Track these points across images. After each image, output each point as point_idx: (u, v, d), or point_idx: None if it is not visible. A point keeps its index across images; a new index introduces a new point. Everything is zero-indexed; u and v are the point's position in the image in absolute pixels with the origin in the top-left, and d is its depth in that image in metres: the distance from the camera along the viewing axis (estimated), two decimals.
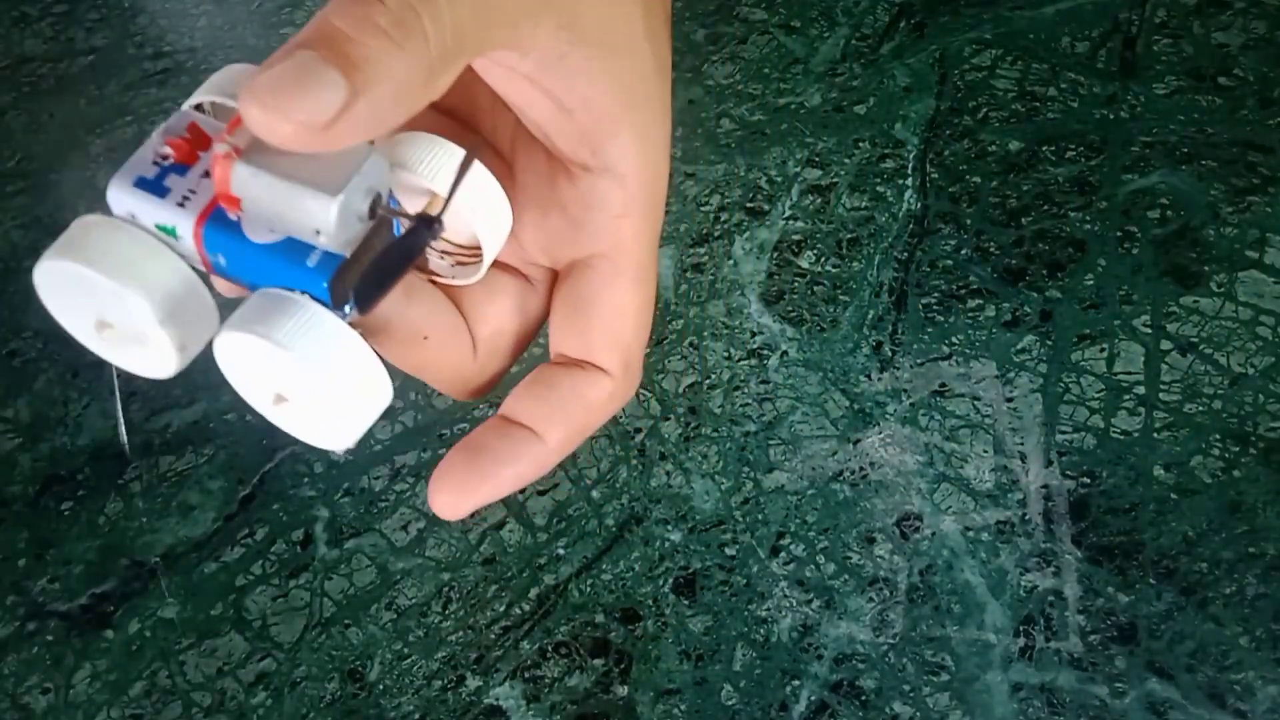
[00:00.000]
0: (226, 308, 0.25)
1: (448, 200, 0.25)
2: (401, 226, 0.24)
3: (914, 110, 0.94)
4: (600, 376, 0.27)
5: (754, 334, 0.84)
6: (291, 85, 0.20)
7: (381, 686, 0.72)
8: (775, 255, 0.87)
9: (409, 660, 0.73)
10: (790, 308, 0.84)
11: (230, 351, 0.24)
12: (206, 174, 0.24)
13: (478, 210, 0.26)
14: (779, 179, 0.91)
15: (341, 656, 0.73)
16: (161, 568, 0.77)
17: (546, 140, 0.26)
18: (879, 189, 0.90)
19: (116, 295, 0.24)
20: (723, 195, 0.91)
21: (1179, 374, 0.79)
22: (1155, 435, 0.76)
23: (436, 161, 0.25)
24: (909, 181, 0.90)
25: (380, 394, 0.25)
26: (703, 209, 0.90)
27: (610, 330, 0.27)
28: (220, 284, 0.26)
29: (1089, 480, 0.75)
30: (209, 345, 0.25)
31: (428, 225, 0.24)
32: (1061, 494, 0.75)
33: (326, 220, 0.23)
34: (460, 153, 0.25)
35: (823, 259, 0.86)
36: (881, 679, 0.69)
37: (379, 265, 0.23)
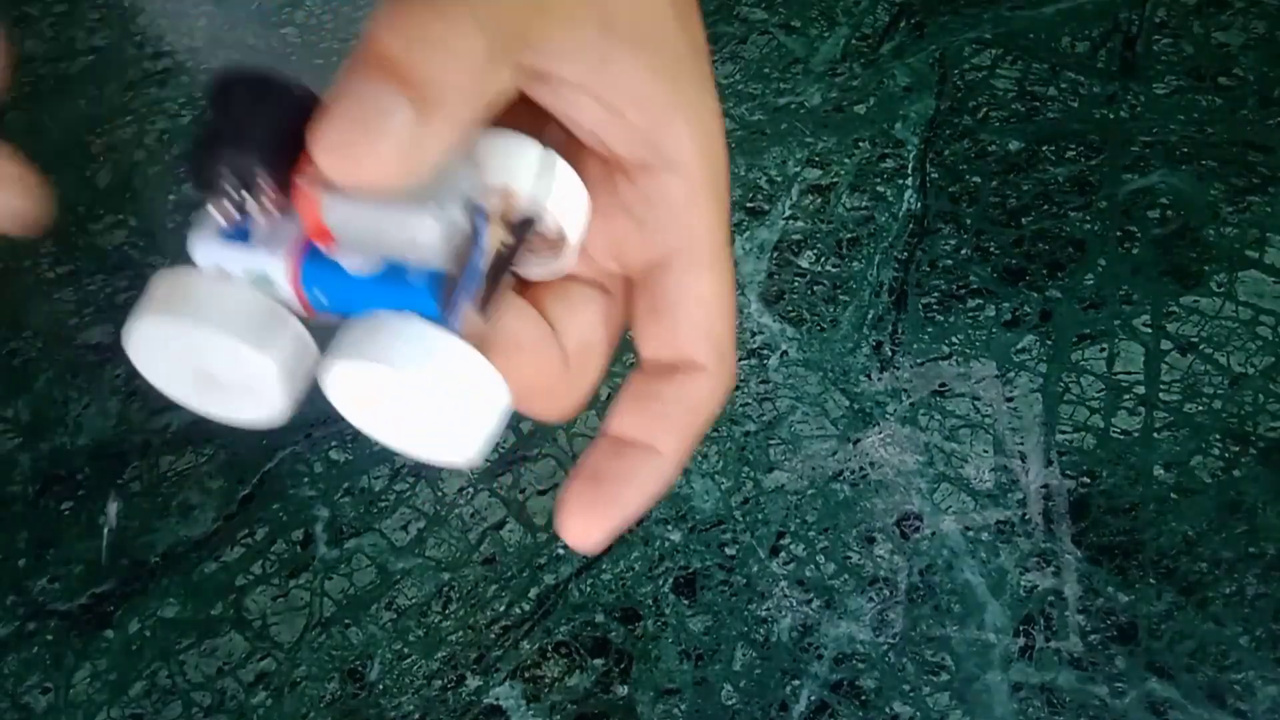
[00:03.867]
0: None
1: (537, 203, 0.24)
2: (488, 229, 0.24)
3: (914, 110, 0.94)
4: (699, 375, 0.27)
5: (754, 334, 0.84)
6: (358, 125, 0.19)
7: (381, 686, 0.72)
8: (775, 255, 0.87)
9: (409, 660, 0.73)
10: (790, 307, 0.84)
11: (343, 383, 0.24)
12: (284, 212, 0.23)
13: (557, 198, 0.25)
14: (779, 179, 0.91)
15: (341, 656, 0.73)
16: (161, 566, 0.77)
17: (601, 146, 0.25)
18: (879, 189, 0.90)
19: (231, 352, 0.23)
20: None
21: (1179, 374, 0.79)
22: (1155, 435, 0.76)
23: (512, 158, 0.25)
24: (909, 181, 0.90)
25: (501, 399, 0.24)
26: None
27: (699, 325, 0.27)
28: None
29: (1089, 480, 0.75)
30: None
31: (525, 227, 0.24)
32: (1061, 494, 0.75)
33: (432, 239, 0.22)
34: (534, 145, 0.25)
35: (823, 259, 0.86)
36: (881, 679, 0.69)
37: (489, 272, 0.23)
